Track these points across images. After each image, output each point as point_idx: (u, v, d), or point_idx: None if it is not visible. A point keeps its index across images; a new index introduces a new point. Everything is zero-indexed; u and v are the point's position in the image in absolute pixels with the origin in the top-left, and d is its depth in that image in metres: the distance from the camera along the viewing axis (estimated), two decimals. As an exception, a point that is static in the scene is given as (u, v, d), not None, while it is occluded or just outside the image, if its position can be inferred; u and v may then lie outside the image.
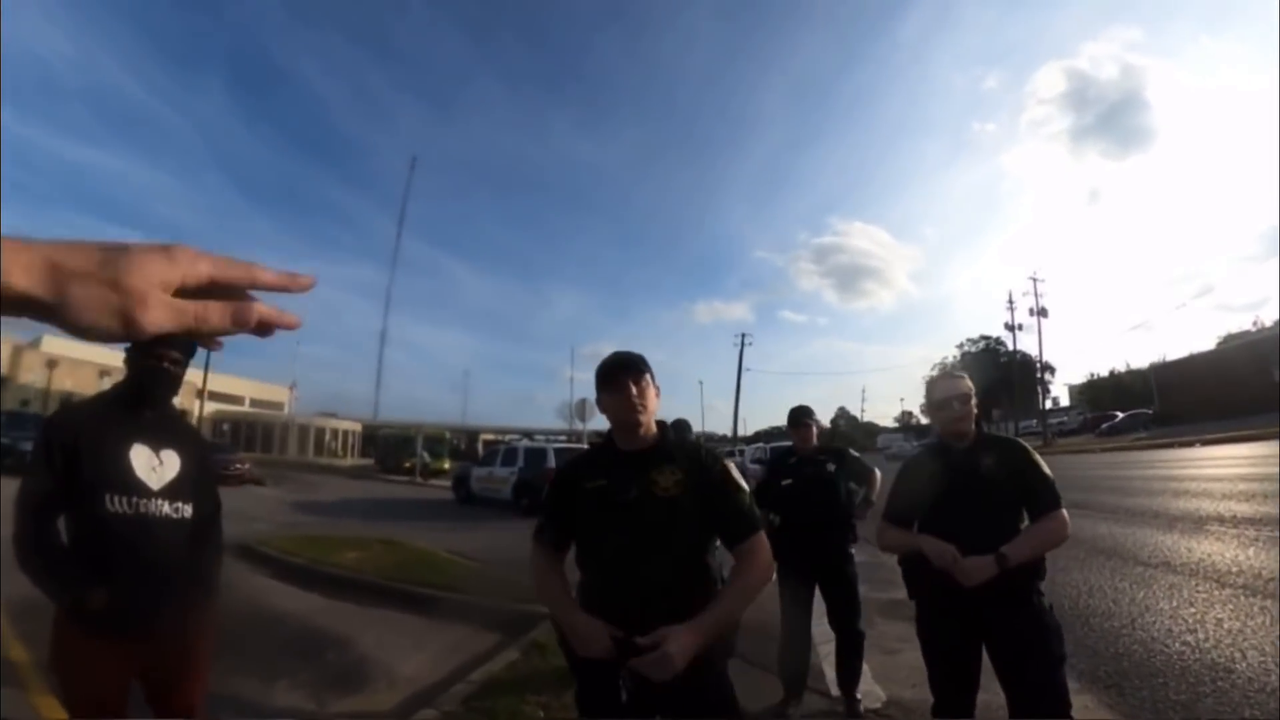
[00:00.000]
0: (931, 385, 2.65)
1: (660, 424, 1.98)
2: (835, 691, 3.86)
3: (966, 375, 2.67)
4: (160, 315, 0.47)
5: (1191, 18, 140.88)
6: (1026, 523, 2.42)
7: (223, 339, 0.53)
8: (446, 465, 34.11)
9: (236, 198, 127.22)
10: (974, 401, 2.57)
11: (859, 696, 3.72)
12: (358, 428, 59.45)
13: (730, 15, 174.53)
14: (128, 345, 2.07)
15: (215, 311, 0.50)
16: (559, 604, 1.89)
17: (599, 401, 1.95)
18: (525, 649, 4.63)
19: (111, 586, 1.90)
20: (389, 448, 40.05)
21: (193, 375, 37.02)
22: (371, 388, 74.83)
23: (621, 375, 1.89)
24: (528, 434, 43.20)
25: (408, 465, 33.95)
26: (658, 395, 1.94)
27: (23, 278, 0.43)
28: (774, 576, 3.87)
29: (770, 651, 3.98)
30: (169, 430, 2.20)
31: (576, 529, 1.95)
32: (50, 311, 0.45)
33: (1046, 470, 2.44)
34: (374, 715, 3.85)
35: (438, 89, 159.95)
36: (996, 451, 2.50)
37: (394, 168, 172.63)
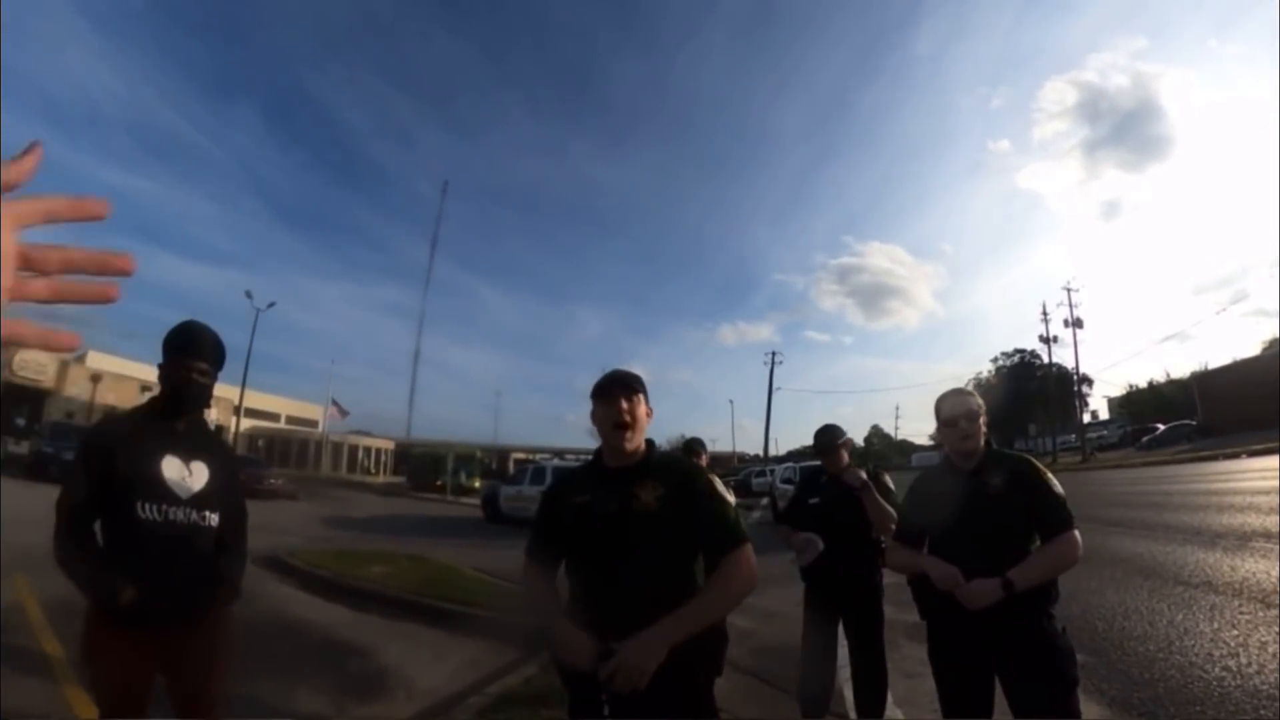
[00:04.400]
0: (940, 403, 2.58)
1: (648, 442, 2.03)
2: (854, 716, 3.73)
3: (976, 393, 2.61)
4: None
5: (1197, 24, 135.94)
6: (1038, 543, 2.34)
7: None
8: (477, 484, 34.33)
9: (272, 221, 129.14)
10: (983, 420, 2.50)
11: None
12: (390, 445, 60.15)
13: (743, 34, 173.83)
14: (162, 360, 2.22)
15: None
16: (545, 616, 1.93)
17: (592, 414, 2.00)
18: (544, 664, 4.59)
19: (140, 586, 2.02)
20: (421, 466, 40.38)
21: (230, 392, 38.06)
22: (404, 407, 75.61)
23: (614, 391, 1.95)
24: (559, 453, 43.47)
25: (439, 483, 34.19)
26: (649, 416, 2.01)
27: None
28: (803, 598, 3.82)
29: (794, 674, 3.90)
30: (199, 442, 2.32)
31: (564, 544, 1.98)
32: None
33: (1058, 489, 2.36)
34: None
35: (461, 117, 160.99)
36: (1005, 470, 2.43)
37: (420, 192, 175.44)
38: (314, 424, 54.65)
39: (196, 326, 2.28)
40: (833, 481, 3.78)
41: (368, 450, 57.43)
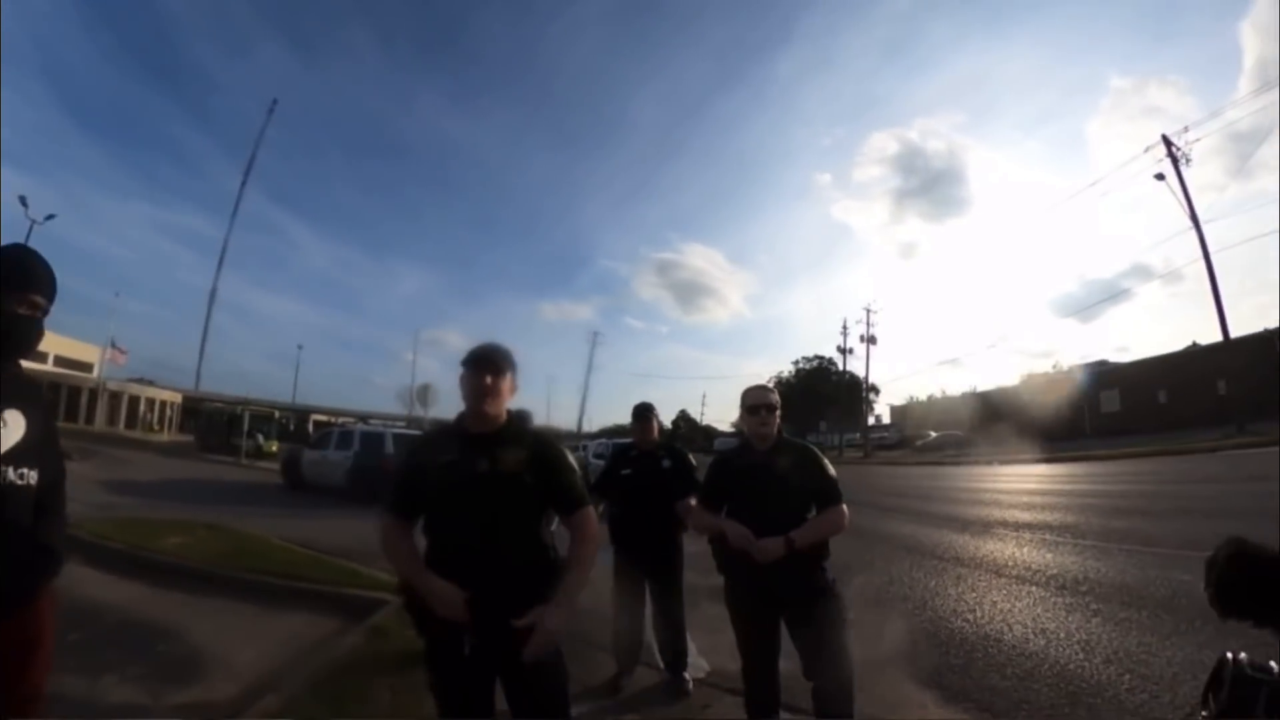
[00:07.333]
0: (745, 395, 3.09)
1: (509, 413, 2.25)
2: (661, 664, 4.21)
3: (775, 390, 3.18)
4: None
5: (1012, 116, 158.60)
6: (814, 512, 2.88)
7: None
8: (275, 448, 32.27)
9: (62, 116, 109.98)
10: (778, 412, 3.03)
11: (686, 676, 4.10)
12: (177, 399, 54.46)
13: (618, 17, 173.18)
14: None
15: None
16: (413, 569, 2.10)
17: (460, 380, 2.18)
18: (368, 633, 4.65)
19: None
20: (211, 424, 36.82)
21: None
22: (195, 355, 67.40)
23: (482, 365, 2.15)
24: (363, 417, 40.97)
25: (232, 444, 31.37)
26: (513, 391, 2.23)
27: None
28: (610, 560, 4.16)
29: (607, 632, 4.29)
30: (11, 389, 1.94)
31: (426, 501, 2.15)
32: None
33: (832, 472, 2.94)
34: (215, 705, 3.69)
35: (304, 29, 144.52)
36: (792, 454, 2.97)
37: (244, 110, 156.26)
38: (89, 368, 47.52)
39: (28, 251, 1.95)
40: (642, 456, 4.29)
41: (150, 402, 51.13)
